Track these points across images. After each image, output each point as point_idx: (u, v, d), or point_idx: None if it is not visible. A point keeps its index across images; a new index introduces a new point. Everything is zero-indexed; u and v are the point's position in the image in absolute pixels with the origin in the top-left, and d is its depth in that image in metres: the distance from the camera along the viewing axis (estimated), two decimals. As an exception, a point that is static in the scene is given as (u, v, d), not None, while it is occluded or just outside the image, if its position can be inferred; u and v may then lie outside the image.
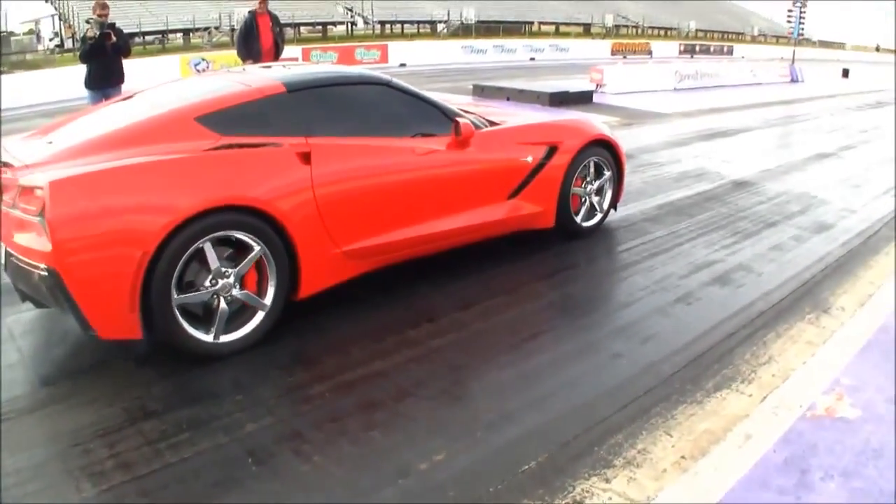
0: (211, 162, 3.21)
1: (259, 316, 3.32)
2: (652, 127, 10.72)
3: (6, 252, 3.08)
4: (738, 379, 3.13)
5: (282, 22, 9.33)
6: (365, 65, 25.92)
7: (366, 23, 39.59)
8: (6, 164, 3.14)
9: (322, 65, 4.42)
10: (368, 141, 3.78)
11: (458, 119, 4.13)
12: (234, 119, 3.41)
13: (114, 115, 3.69)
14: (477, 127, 4.33)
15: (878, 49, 78.14)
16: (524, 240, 4.83)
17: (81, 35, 7.71)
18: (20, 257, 2.95)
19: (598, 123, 5.31)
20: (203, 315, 3.19)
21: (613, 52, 39.96)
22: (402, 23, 41.63)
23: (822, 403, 2.85)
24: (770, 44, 56.43)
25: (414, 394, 2.97)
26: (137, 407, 2.84)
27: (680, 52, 44.41)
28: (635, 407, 2.89)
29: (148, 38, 31.69)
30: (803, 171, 7.90)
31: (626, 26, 51.96)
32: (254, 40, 8.66)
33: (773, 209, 6.07)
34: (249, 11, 8.82)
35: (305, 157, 3.44)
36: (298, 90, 3.69)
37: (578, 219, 4.96)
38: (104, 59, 7.62)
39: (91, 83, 7.81)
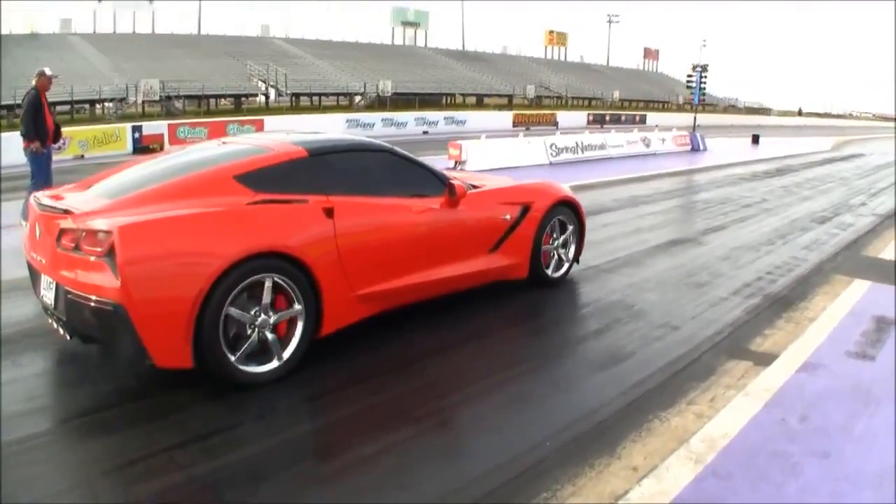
0: (252, 215, 3.65)
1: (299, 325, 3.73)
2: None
3: (57, 290, 3.45)
4: None
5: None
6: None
7: (279, 94, 38.53)
8: (67, 212, 3.50)
9: (329, 133, 5.20)
10: (376, 199, 4.27)
11: (453, 182, 4.64)
12: (265, 178, 3.84)
13: (154, 171, 4.05)
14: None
15: (800, 113, 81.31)
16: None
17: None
18: (80, 294, 3.28)
19: (562, 186, 5.88)
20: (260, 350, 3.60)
21: (515, 124, 37.13)
22: (320, 95, 40.70)
23: None
24: (697, 111, 56.89)
25: None
26: None
27: (588, 122, 41.52)
28: None
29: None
30: (639, 266, 6.45)
31: (549, 97, 52.25)
32: (42, 119, 7.77)
33: (558, 333, 4.60)
34: (34, 88, 7.80)
35: (329, 212, 3.90)
36: (318, 155, 4.17)
37: (549, 270, 5.51)
38: None
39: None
